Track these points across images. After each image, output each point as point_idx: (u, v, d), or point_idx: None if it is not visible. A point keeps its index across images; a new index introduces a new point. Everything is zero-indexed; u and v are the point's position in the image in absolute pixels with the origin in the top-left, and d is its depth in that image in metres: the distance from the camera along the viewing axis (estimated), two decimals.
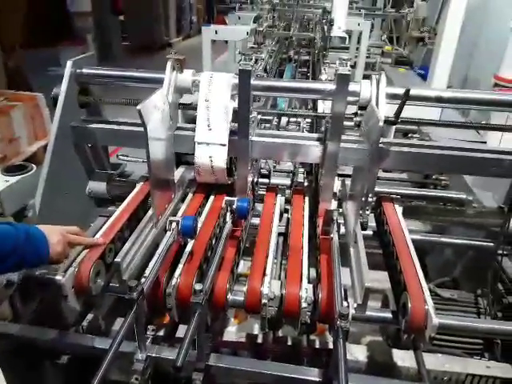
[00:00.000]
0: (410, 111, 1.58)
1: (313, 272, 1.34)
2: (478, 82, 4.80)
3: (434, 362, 1.40)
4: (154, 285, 1.13)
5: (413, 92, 1.45)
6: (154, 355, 1.07)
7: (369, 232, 1.63)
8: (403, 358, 1.41)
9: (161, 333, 1.49)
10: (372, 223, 1.62)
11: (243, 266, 1.67)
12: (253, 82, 1.40)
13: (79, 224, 1.68)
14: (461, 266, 1.94)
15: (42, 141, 4.58)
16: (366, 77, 1.56)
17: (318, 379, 1.07)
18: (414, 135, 2.77)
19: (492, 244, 1.72)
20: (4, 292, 1.22)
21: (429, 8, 6.38)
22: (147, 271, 1.14)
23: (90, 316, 1.55)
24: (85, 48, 8.43)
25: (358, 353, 1.45)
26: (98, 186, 1.77)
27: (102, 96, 1.73)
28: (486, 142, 2.79)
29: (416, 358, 1.37)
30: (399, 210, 1.60)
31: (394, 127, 1.59)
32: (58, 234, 1.13)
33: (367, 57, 5.29)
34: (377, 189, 1.76)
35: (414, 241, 1.42)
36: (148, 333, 1.09)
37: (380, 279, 1.55)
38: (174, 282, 1.18)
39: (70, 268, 1.20)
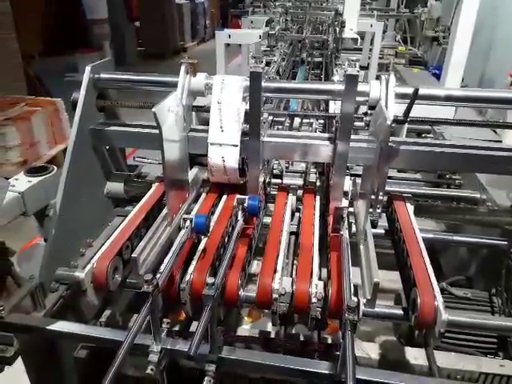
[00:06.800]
0: (425, 111, 1.58)
1: (324, 269, 1.36)
2: (494, 81, 4.74)
3: (448, 360, 1.39)
4: (168, 280, 1.18)
5: (422, 91, 1.46)
6: (168, 347, 1.10)
7: (381, 231, 1.65)
8: (416, 356, 1.41)
9: (176, 329, 1.54)
10: (384, 222, 1.64)
11: (256, 267, 1.70)
12: (263, 83, 1.44)
13: (97, 223, 1.75)
14: (474, 265, 1.93)
15: (61, 145, 4.71)
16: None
17: (327, 372, 1.09)
18: (428, 135, 2.76)
19: (506, 242, 1.70)
20: (26, 286, 1.28)
21: (443, 7, 6.31)
22: (162, 267, 1.18)
23: (107, 312, 1.60)
24: (102, 54, 8.63)
25: (370, 350, 1.46)
26: (115, 187, 1.82)
27: (119, 100, 1.79)
28: (501, 141, 2.75)
29: (427, 354, 1.37)
30: (411, 208, 1.60)
31: (405, 126, 1.60)
32: None
33: (380, 58, 5.25)
34: (389, 188, 1.77)
35: (426, 239, 1.42)
36: (163, 326, 1.13)
37: (393, 279, 1.56)
38: (187, 277, 1.23)
39: (88, 264, 1.26)
